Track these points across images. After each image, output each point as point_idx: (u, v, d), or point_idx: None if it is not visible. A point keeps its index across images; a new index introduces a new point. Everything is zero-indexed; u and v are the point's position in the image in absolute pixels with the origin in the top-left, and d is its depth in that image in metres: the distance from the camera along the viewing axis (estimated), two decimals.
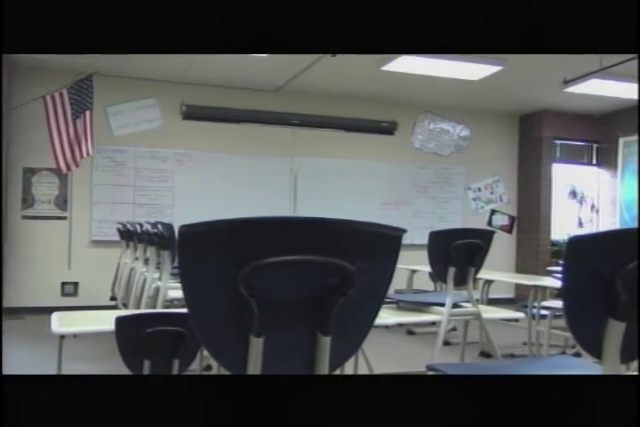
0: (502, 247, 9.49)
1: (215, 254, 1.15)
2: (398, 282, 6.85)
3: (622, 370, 1.51)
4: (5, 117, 6.90)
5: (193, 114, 8.19)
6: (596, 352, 1.41)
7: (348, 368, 3.74)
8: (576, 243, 1.37)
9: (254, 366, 1.19)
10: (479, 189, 9.67)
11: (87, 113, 7.04)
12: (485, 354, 5.26)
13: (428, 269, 3.63)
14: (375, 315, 1.32)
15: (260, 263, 1.13)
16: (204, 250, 1.15)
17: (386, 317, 3.16)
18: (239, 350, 1.19)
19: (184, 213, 8.01)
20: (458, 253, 3.30)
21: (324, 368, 1.23)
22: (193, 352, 2.49)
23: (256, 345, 1.18)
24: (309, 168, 8.70)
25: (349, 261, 1.17)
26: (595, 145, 9.96)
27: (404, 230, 1.23)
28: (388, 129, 9.03)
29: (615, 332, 1.38)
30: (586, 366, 1.95)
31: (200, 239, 1.15)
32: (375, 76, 7.46)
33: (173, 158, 8.16)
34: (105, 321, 2.48)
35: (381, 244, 1.25)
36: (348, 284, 1.18)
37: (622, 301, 1.35)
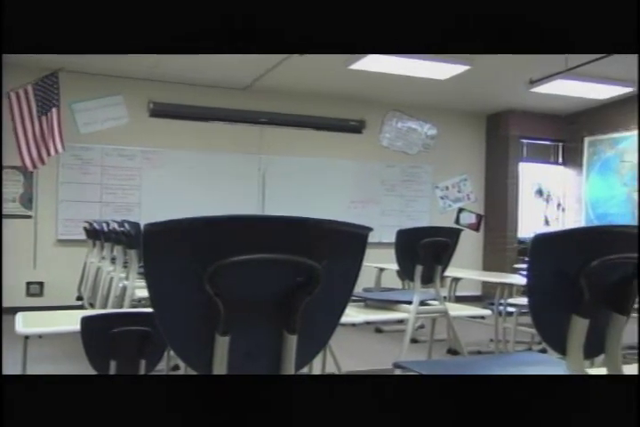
0: (470, 245, 9.57)
1: (180, 253, 1.15)
2: (366, 280, 6.91)
3: (586, 365, 1.53)
4: None
5: (160, 111, 8.13)
6: (561, 348, 1.43)
7: (316, 367, 3.75)
8: (541, 241, 1.38)
9: (220, 366, 1.18)
10: (447, 188, 9.73)
11: (54, 110, 6.96)
12: (453, 351, 5.29)
13: (395, 267, 3.64)
14: (341, 313, 1.32)
15: (226, 262, 1.12)
16: (168, 249, 1.14)
17: (353, 315, 3.17)
18: (205, 350, 1.18)
19: (151, 211, 7.96)
20: (425, 251, 3.32)
21: (290, 367, 1.23)
22: (160, 352, 2.47)
23: (222, 344, 1.17)
24: (278, 167, 8.69)
25: (315, 259, 1.17)
26: (560, 144, 10.08)
27: (369, 229, 1.23)
28: (356, 128, 9.05)
29: (579, 328, 1.39)
30: (551, 362, 1.97)
31: (165, 238, 1.14)
32: (343, 75, 7.46)
33: (141, 156, 8.10)
34: (71, 321, 2.45)
35: (347, 242, 1.25)
36: (313, 282, 1.18)
37: (586, 298, 1.36)
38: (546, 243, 1.39)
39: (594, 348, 1.47)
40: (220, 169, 8.40)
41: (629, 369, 1.91)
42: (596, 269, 1.36)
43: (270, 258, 1.16)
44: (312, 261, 1.17)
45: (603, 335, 1.48)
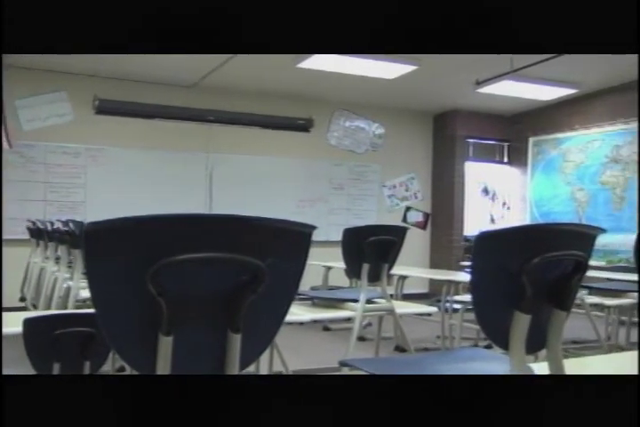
0: (417, 243, 9.66)
1: (122, 253, 1.13)
2: (314, 279, 6.92)
3: (530, 360, 1.56)
4: None
5: (106, 108, 8.00)
6: (504, 344, 1.45)
7: (263, 366, 3.74)
8: (483, 238, 1.40)
9: (163, 366, 1.17)
10: (394, 187, 9.81)
11: None
12: (400, 348, 5.34)
13: (343, 265, 3.66)
14: (286, 312, 1.32)
15: (169, 261, 1.11)
16: (110, 248, 1.13)
17: (301, 313, 3.17)
18: (148, 350, 1.16)
19: (97, 210, 7.84)
20: (371, 249, 3.33)
21: (234, 366, 1.23)
22: (105, 354, 2.43)
23: (165, 344, 1.16)
24: (225, 165, 8.64)
25: (259, 258, 1.17)
26: (506, 144, 10.24)
27: (313, 227, 1.23)
28: (303, 126, 9.05)
29: (521, 324, 1.41)
30: (494, 357, 2.00)
31: (106, 237, 1.12)
32: (292, 73, 7.46)
33: (86, 154, 7.97)
34: (13, 323, 2.40)
35: (291, 240, 1.25)
36: (257, 281, 1.17)
37: (528, 294, 1.39)
38: (488, 240, 1.41)
39: (536, 343, 1.50)
40: (167, 167, 8.32)
41: (570, 363, 1.95)
42: (538, 266, 1.38)
43: (213, 257, 1.15)
44: (256, 259, 1.16)
45: (544, 331, 1.51)
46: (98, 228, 1.10)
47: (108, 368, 2.67)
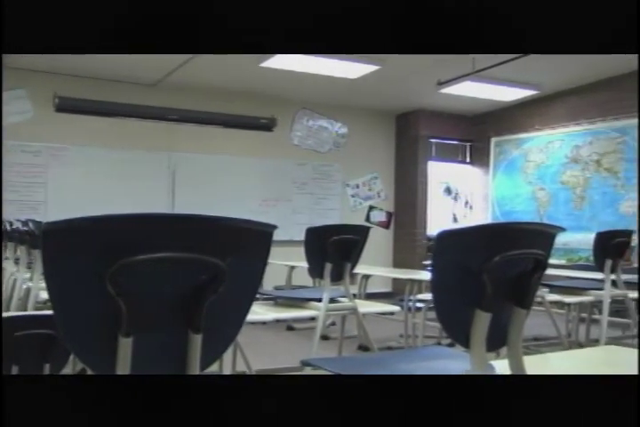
0: (380, 243, 9.69)
1: (80, 252, 1.11)
2: (277, 278, 6.89)
3: (491, 358, 1.57)
4: None
5: (67, 106, 7.88)
6: (465, 342, 1.46)
7: (227, 366, 3.73)
8: (444, 237, 1.41)
9: (123, 368, 1.15)
10: (357, 186, 9.83)
11: None
12: (363, 347, 5.35)
13: (307, 265, 3.66)
14: (247, 311, 1.31)
15: (128, 261, 1.10)
16: (68, 248, 1.11)
17: (263, 313, 3.17)
18: (107, 352, 1.15)
19: (58, 209, 7.72)
20: (334, 248, 3.34)
21: (195, 367, 1.22)
22: (65, 356, 2.40)
23: (125, 345, 1.14)
24: (188, 164, 8.58)
25: (220, 257, 1.16)
26: (468, 144, 10.32)
27: (274, 226, 1.23)
28: (266, 125, 9.02)
29: (481, 322, 1.42)
30: (456, 355, 2.01)
31: (64, 237, 1.10)
32: (255, 72, 7.44)
33: (46, 153, 7.85)
34: None
35: (252, 240, 1.24)
36: (218, 281, 1.17)
37: (488, 292, 1.39)
38: (448, 239, 1.41)
39: (496, 340, 1.51)
40: (130, 166, 8.23)
41: (531, 360, 1.97)
42: (498, 265, 1.39)
43: (173, 257, 1.14)
44: (216, 259, 1.16)
45: (505, 328, 1.52)
46: (55, 227, 1.09)
47: (68, 371, 2.63)
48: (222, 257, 1.16)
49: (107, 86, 8.04)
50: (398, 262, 9.87)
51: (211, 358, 1.27)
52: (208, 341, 1.22)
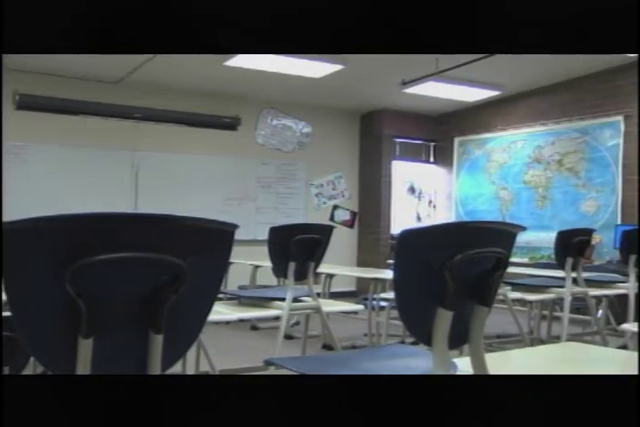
0: (344, 242, 9.71)
1: (39, 253, 1.10)
2: (242, 278, 6.86)
3: (453, 356, 1.58)
4: None
5: (28, 104, 7.75)
6: (427, 340, 1.47)
7: (190, 366, 3.70)
8: (406, 236, 1.41)
9: (83, 369, 1.14)
10: (321, 185, 9.84)
11: None
12: (327, 346, 5.36)
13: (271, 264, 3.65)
14: (209, 311, 1.30)
15: (87, 261, 1.08)
16: (28, 248, 1.10)
17: (227, 313, 3.15)
18: (67, 353, 1.13)
19: (18, 209, 7.60)
20: (297, 248, 3.34)
21: (156, 367, 1.20)
22: (25, 358, 2.36)
23: (84, 347, 1.13)
24: (151, 163, 8.51)
25: (181, 257, 1.15)
26: (432, 144, 10.39)
27: (235, 226, 1.22)
28: (231, 124, 8.98)
29: (443, 320, 1.43)
30: (419, 353, 2.02)
31: (23, 237, 1.09)
32: (219, 71, 7.40)
33: (7, 151, 7.71)
34: None
35: (213, 239, 1.23)
36: (179, 281, 1.16)
37: (450, 291, 1.40)
38: (411, 238, 1.42)
39: (458, 338, 1.52)
40: (92, 165, 8.13)
41: (493, 357, 1.99)
42: (460, 263, 1.40)
43: (134, 257, 1.13)
44: (177, 259, 1.15)
45: (466, 326, 1.53)
46: (14, 227, 1.08)
47: (28, 373, 2.59)
48: (183, 257, 1.15)
49: (68, 84, 7.93)
50: (362, 261, 9.90)
51: (172, 358, 1.26)
52: (169, 341, 1.21)
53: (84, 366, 1.15)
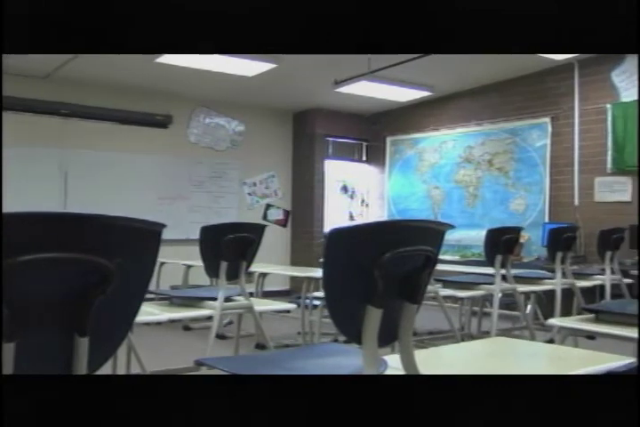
0: (278, 241, 9.71)
1: None
2: (174, 277, 6.77)
3: (385, 353, 1.59)
4: None
5: None
6: (357, 338, 1.48)
7: (120, 368, 3.65)
8: (335, 235, 1.42)
9: (6, 371, 1.11)
10: (254, 184, 9.81)
11: None
12: (261, 346, 5.34)
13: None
14: (136, 312, 1.28)
15: (12, 262, 1.05)
16: None
17: (158, 313, 3.12)
18: None
19: None
20: (229, 247, 3.32)
21: (82, 369, 1.18)
22: None
23: (7, 351, 1.09)
24: (81, 161, 8.33)
25: (107, 258, 1.13)
26: (364, 143, 10.47)
27: (163, 225, 1.20)
28: (162, 122, 8.87)
29: (373, 318, 1.44)
30: (350, 351, 2.03)
31: None
32: (150, 68, 7.29)
33: None
34: None
35: (141, 239, 1.21)
36: (106, 282, 1.13)
37: (379, 289, 1.42)
38: (340, 237, 1.43)
39: (388, 336, 1.54)
40: (18, 164, 7.91)
41: (423, 353, 2.01)
42: (389, 261, 1.42)
43: (58, 257, 1.10)
44: (104, 259, 1.12)
45: (396, 323, 1.55)
46: None
47: None
48: (110, 257, 1.13)
49: None
50: (296, 260, 9.91)
51: (99, 360, 1.24)
52: (95, 343, 1.18)
53: (6, 369, 1.11)
